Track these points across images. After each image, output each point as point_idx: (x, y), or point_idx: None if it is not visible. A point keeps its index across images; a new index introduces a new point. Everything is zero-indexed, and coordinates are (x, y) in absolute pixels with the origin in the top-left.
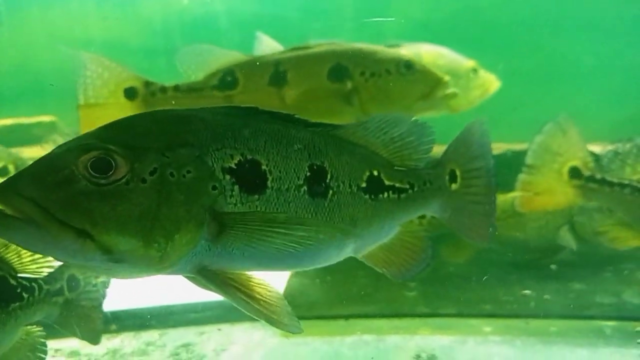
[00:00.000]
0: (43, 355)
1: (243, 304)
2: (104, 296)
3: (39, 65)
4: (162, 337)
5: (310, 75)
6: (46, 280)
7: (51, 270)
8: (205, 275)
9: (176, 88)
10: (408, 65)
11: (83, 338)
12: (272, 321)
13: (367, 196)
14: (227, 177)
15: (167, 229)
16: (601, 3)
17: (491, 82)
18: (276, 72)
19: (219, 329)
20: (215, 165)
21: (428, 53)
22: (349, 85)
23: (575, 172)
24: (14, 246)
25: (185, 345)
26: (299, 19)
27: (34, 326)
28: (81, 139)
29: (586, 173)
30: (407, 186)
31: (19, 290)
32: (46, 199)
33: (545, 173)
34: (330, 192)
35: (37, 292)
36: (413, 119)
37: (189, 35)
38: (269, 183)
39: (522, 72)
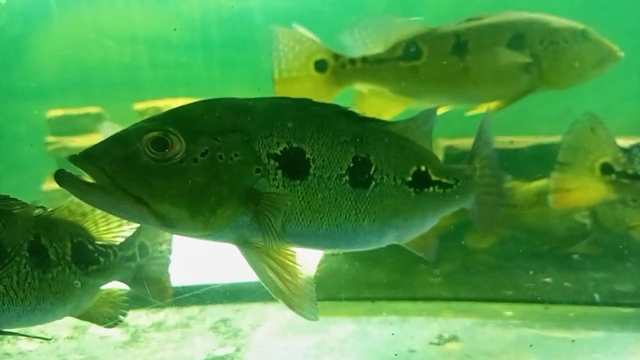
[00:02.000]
0: (124, 311)
1: (269, 283)
2: (169, 260)
3: (86, 59)
4: (201, 312)
5: (491, 45)
6: (120, 247)
7: (123, 239)
8: (244, 248)
9: (364, 60)
10: (584, 34)
11: (154, 297)
12: (291, 304)
13: (411, 189)
14: (272, 162)
15: (211, 203)
16: None
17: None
18: (457, 42)
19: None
20: (261, 150)
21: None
22: (528, 53)
23: (606, 168)
24: (91, 216)
25: (223, 320)
26: (332, 13)
27: (116, 288)
28: (147, 121)
29: (618, 169)
30: (453, 182)
31: (96, 255)
32: (113, 170)
33: (577, 170)
34: (373, 183)
35: (112, 257)
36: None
37: (225, 31)
38: (311, 170)
39: None
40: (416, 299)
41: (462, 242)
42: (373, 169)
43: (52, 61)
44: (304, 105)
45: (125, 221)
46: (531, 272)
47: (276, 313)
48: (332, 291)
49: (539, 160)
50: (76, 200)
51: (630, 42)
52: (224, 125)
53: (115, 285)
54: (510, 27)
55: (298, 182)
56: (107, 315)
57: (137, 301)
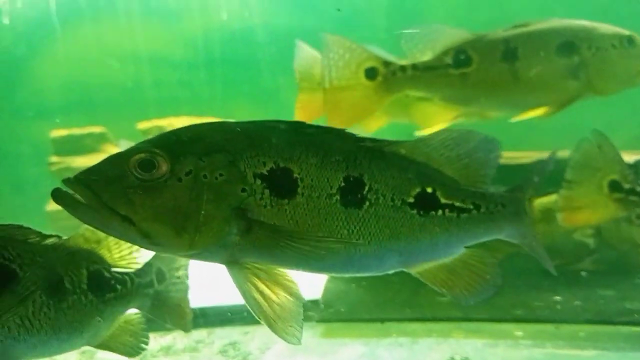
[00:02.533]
0: (145, 340)
1: (253, 304)
2: (188, 286)
3: (89, 79)
4: (210, 335)
5: (540, 51)
6: (137, 274)
7: (138, 266)
8: (232, 268)
9: (414, 67)
10: (630, 40)
11: (174, 326)
12: (274, 327)
13: (414, 211)
14: (258, 181)
15: (195, 221)
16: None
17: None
18: (507, 48)
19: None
20: (247, 170)
21: None
22: (577, 60)
23: (615, 186)
24: (105, 243)
25: (232, 344)
26: (334, 30)
27: (134, 314)
28: (138, 144)
29: (626, 186)
30: (471, 206)
31: (113, 282)
32: (100, 190)
33: (585, 188)
34: (367, 203)
35: (129, 284)
36: (482, 135)
37: (228, 49)
38: (299, 190)
39: None
40: (425, 320)
41: None
42: (367, 188)
43: (55, 81)
44: (297, 128)
45: (135, 248)
46: (541, 291)
47: None
48: (340, 312)
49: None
50: (91, 227)
51: None
52: (210, 146)
53: (133, 313)
54: (558, 34)
55: (286, 201)
56: (128, 344)
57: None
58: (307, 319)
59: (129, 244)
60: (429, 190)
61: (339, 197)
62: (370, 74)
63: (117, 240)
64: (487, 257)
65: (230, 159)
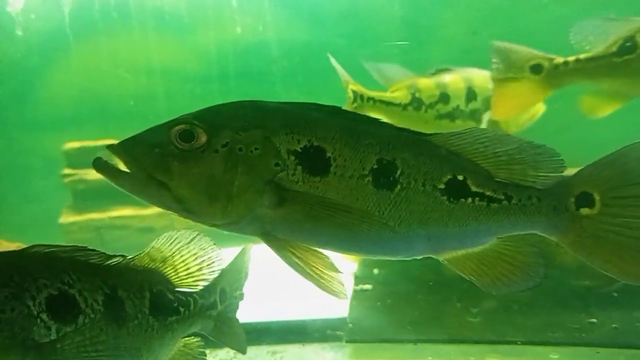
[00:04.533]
0: None
1: (296, 267)
2: (238, 307)
3: (102, 91)
4: (236, 354)
5: None
6: (201, 295)
7: (206, 283)
8: (266, 239)
9: (577, 60)
10: None
11: (233, 347)
12: (321, 286)
13: (444, 197)
14: (292, 157)
15: (228, 191)
16: None
17: (538, 106)
18: None
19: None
20: (281, 146)
21: (479, 77)
22: None
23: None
24: (170, 261)
25: None
26: (346, 46)
27: (192, 337)
28: (180, 116)
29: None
30: (502, 197)
31: (175, 305)
32: (141, 157)
33: None
34: (399, 186)
35: (192, 306)
36: (530, 141)
37: (241, 63)
38: (331, 169)
39: (568, 93)
40: (458, 341)
41: None
42: (399, 172)
43: (67, 93)
44: (334, 111)
45: (204, 264)
46: (574, 312)
47: (314, 356)
48: (370, 332)
49: None
50: (156, 246)
51: None
52: (247, 121)
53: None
54: None
55: (318, 179)
56: None
57: None
58: (335, 338)
59: (196, 261)
60: (460, 177)
61: (371, 179)
62: (535, 69)
63: (183, 257)
64: (525, 247)
65: (266, 135)
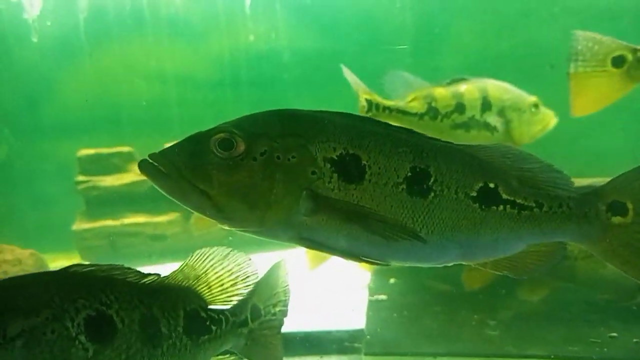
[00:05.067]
0: None
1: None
2: (282, 324)
3: (116, 97)
4: None
5: None
6: (232, 312)
7: (239, 299)
8: (303, 244)
9: None
10: None
11: None
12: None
13: (476, 205)
14: (328, 165)
15: (267, 199)
16: None
17: (551, 117)
18: None
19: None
20: (317, 154)
21: (493, 88)
22: None
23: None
24: (204, 279)
25: None
26: (358, 53)
27: (227, 355)
28: (219, 125)
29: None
30: (533, 204)
31: (208, 323)
32: (183, 164)
33: None
34: (432, 194)
35: (224, 324)
36: (551, 164)
37: (254, 70)
38: (366, 176)
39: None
40: (478, 355)
41: (510, 291)
42: (432, 180)
43: (81, 99)
44: (368, 120)
45: (239, 279)
46: (593, 326)
47: None
48: (388, 344)
49: None
50: (190, 263)
51: None
52: (284, 130)
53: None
54: None
55: (353, 186)
56: None
57: None
58: (353, 351)
59: (231, 277)
60: (492, 185)
61: (405, 186)
62: (617, 62)
63: (217, 274)
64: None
65: (303, 143)
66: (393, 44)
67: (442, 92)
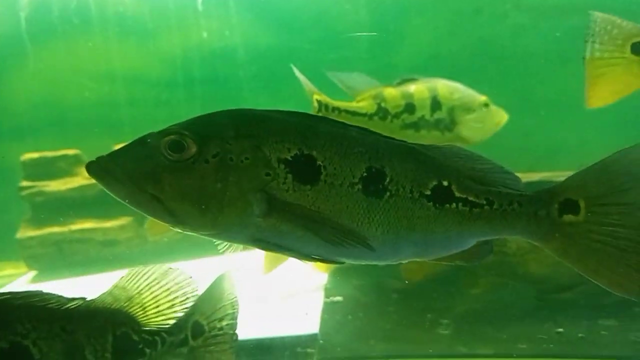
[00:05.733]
0: None
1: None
2: (235, 338)
3: (62, 99)
4: None
5: None
6: (170, 332)
7: (175, 320)
8: (259, 246)
9: None
10: None
11: None
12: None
13: (430, 203)
14: (282, 166)
15: (219, 201)
16: None
17: (501, 116)
18: None
19: None
20: (271, 155)
21: (443, 87)
22: None
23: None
24: (137, 300)
25: None
26: (314, 50)
27: None
28: (169, 126)
29: None
30: (484, 202)
31: (141, 346)
32: (131, 168)
33: None
34: (388, 193)
35: (159, 346)
36: (502, 166)
37: (207, 68)
38: (322, 177)
39: (532, 101)
40: (430, 357)
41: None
42: (388, 179)
43: (25, 100)
44: (323, 120)
45: (177, 300)
46: (542, 322)
47: None
48: (341, 348)
49: None
50: (121, 284)
51: None
52: (238, 131)
53: None
54: None
55: (309, 187)
56: None
57: None
58: (306, 356)
59: (169, 297)
60: (445, 183)
61: (361, 187)
62: (637, 48)
63: (154, 294)
64: None
65: (256, 144)
66: (349, 40)
67: (391, 92)
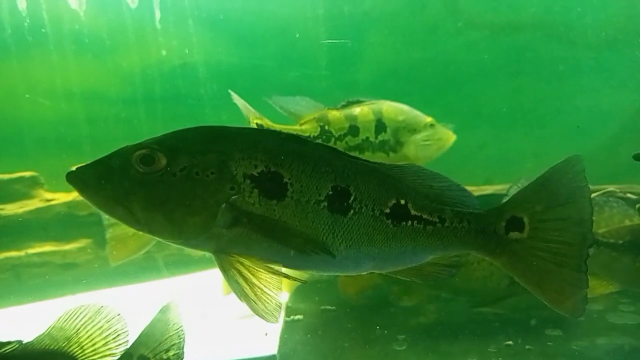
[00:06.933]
0: None
1: (236, 288)
2: None
3: (17, 118)
4: None
5: None
6: None
7: (116, 357)
8: (217, 256)
9: None
10: None
11: None
12: (254, 308)
13: (389, 221)
14: (248, 181)
15: (184, 213)
16: (554, 50)
17: (448, 136)
18: None
19: None
20: (237, 170)
21: (388, 109)
22: None
23: None
24: (75, 339)
25: None
26: (275, 68)
27: None
28: (142, 141)
29: None
30: (436, 220)
31: None
32: (105, 180)
33: None
34: (352, 211)
35: None
36: (459, 184)
37: (168, 85)
38: (288, 193)
39: (485, 114)
40: None
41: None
42: (352, 198)
43: None
44: (292, 138)
45: (111, 339)
46: (494, 335)
47: None
48: None
49: None
50: (58, 325)
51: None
52: (205, 146)
53: None
54: None
55: (275, 202)
56: None
57: None
58: None
59: (102, 335)
60: (402, 202)
61: (326, 204)
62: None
63: (89, 332)
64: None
65: (223, 159)
66: (308, 57)
67: (335, 115)
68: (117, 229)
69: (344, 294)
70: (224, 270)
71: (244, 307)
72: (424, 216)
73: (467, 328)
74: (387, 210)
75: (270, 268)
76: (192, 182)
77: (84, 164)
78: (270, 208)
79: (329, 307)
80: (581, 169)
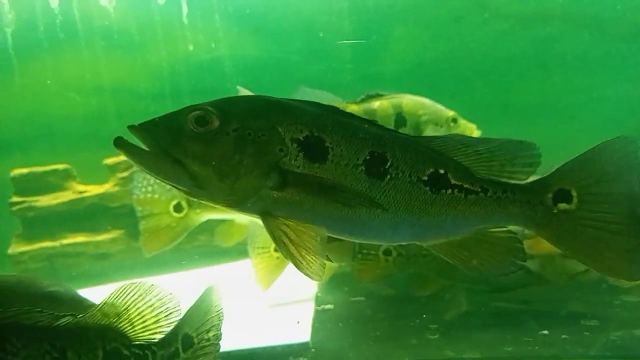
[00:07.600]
0: None
1: (282, 247)
2: (217, 348)
3: (50, 112)
4: None
5: None
6: (160, 345)
7: (162, 335)
8: (264, 219)
9: None
10: None
11: None
12: (300, 266)
13: (427, 188)
14: (294, 145)
15: (236, 171)
16: (584, 40)
17: (471, 130)
18: None
19: None
20: (285, 134)
21: (409, 103)
22: None
23: None
24: (126, 316)
25: None
26: (300, 62)
27: None
28: (197, 104)
29: None
30: (479, 189)
31: None
32: (160, 135)
33: None
34: (388, 176)
35: (150, 359)
36: (512, 138)
37: (194, 80)
38: (329, 157)
39: (513, 106)
40: None
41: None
42: (389, 164)
43: (12, 114)
44: (334, 110)
45: (161, 315)
46: (525, 324)
47: None
48: (333, 356)
49: None
50: (109, 301)
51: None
52: (256, 111)
53: None
54: None
55: (317, 165)
56: None
57: None
58: None
59: (153, 313)
60: (441, 171)
61: (364, 168)
62: None
63: (139, 309)
64: (503, 232)
65: (272, 124)
66: (333, 51)
67: (354, 109)
68: (151, 221)
69: (360, 281)
70: (271, 232)
71: (274, 295)
72: (465, 185)
73: (498, 318)
74: (425, 178)
75: (314, 228)
76: (245, 142)
77: (137, 124)
78: (312, 170)
79: (359, 297)
80: (635, 147)
